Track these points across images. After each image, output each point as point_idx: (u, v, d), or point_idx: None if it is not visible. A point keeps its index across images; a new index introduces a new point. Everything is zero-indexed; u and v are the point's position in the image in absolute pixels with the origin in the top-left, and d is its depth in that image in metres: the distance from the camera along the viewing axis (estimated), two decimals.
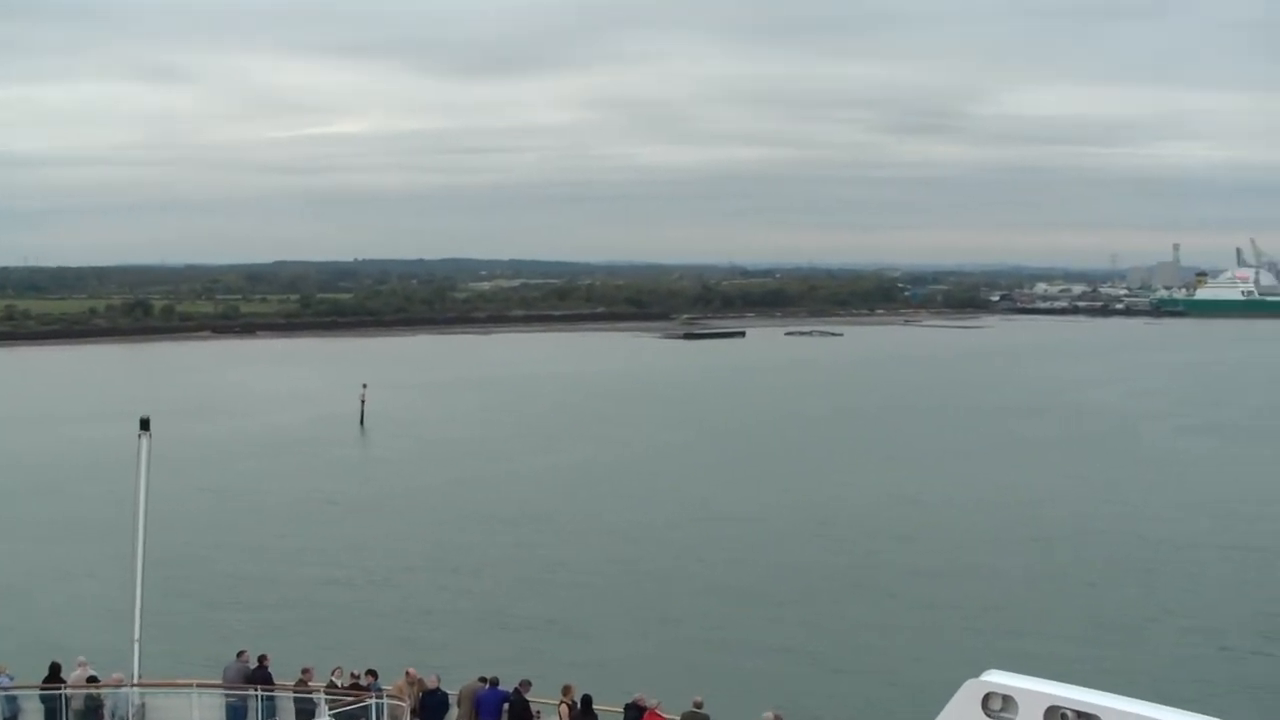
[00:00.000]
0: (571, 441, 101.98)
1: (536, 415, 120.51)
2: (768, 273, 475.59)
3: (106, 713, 26.60)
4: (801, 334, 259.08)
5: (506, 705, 26.24)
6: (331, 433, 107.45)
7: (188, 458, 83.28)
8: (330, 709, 23.99)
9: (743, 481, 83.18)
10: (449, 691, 26.86)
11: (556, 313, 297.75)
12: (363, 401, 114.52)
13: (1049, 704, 17.70)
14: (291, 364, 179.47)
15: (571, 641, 47.45)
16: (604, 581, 57.67)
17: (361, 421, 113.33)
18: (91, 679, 27.48)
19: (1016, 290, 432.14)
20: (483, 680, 26.68)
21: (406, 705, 25.21)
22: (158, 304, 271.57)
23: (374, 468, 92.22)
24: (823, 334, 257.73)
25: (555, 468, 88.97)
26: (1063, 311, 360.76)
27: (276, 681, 27.14)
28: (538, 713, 26.37)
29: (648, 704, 25.30)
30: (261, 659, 27.69)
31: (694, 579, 57.78)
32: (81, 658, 28.41)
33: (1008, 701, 18.01)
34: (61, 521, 69.84)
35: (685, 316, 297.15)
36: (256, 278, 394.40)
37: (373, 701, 24.57)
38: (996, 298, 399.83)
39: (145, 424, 28.22)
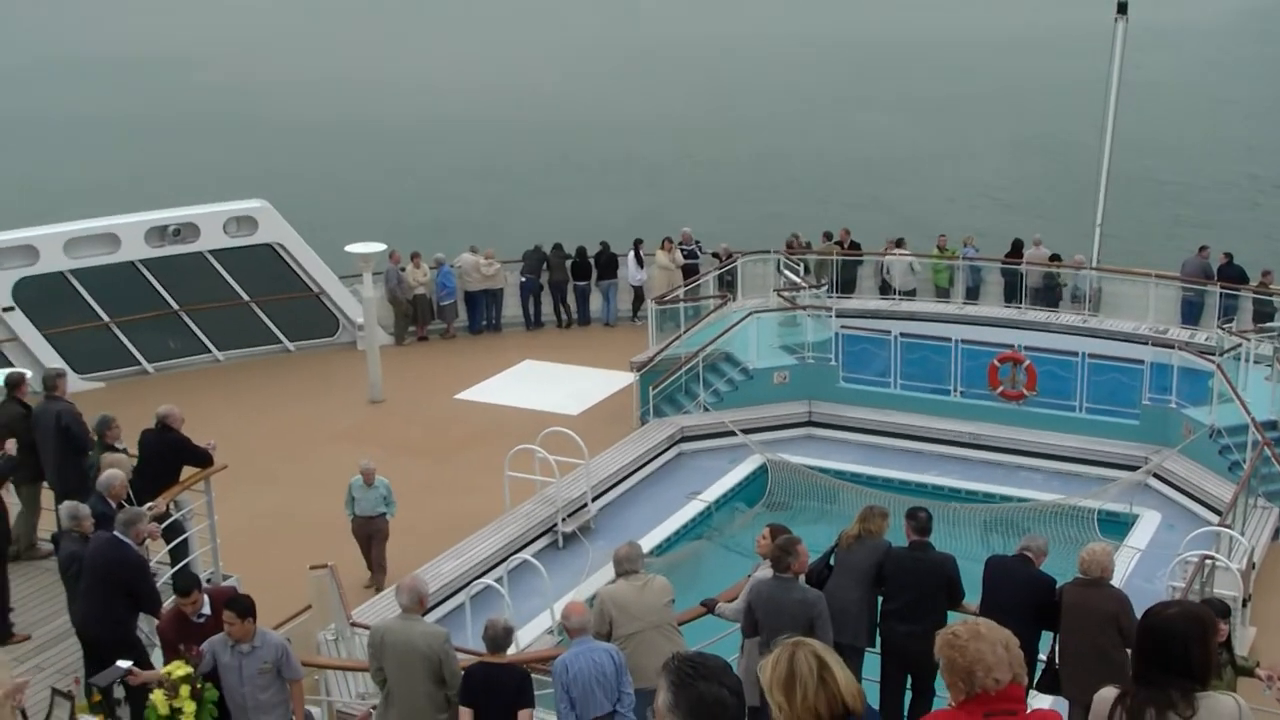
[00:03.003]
0: None
1: None
2: None
3: (1065, 292, 28.73)
4: None
5: None
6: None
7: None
8: None
9: None
10: None
11: None
12: None
13: None
14: None
15: None
16: None
17: None
18: (1053, 257, 29.56)
19: None
20: None
21: None
22: None
23: None
24: None
25: None
26: None
27: (1251, 283, 27.52)
28: None
29: None
30: (1227, 256, 28.16)
31: None
32: (1037, 235, 30.69)
33: None
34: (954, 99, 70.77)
35: None
36: None
37: None
38: None
39: (1123, 8, 27.08)
